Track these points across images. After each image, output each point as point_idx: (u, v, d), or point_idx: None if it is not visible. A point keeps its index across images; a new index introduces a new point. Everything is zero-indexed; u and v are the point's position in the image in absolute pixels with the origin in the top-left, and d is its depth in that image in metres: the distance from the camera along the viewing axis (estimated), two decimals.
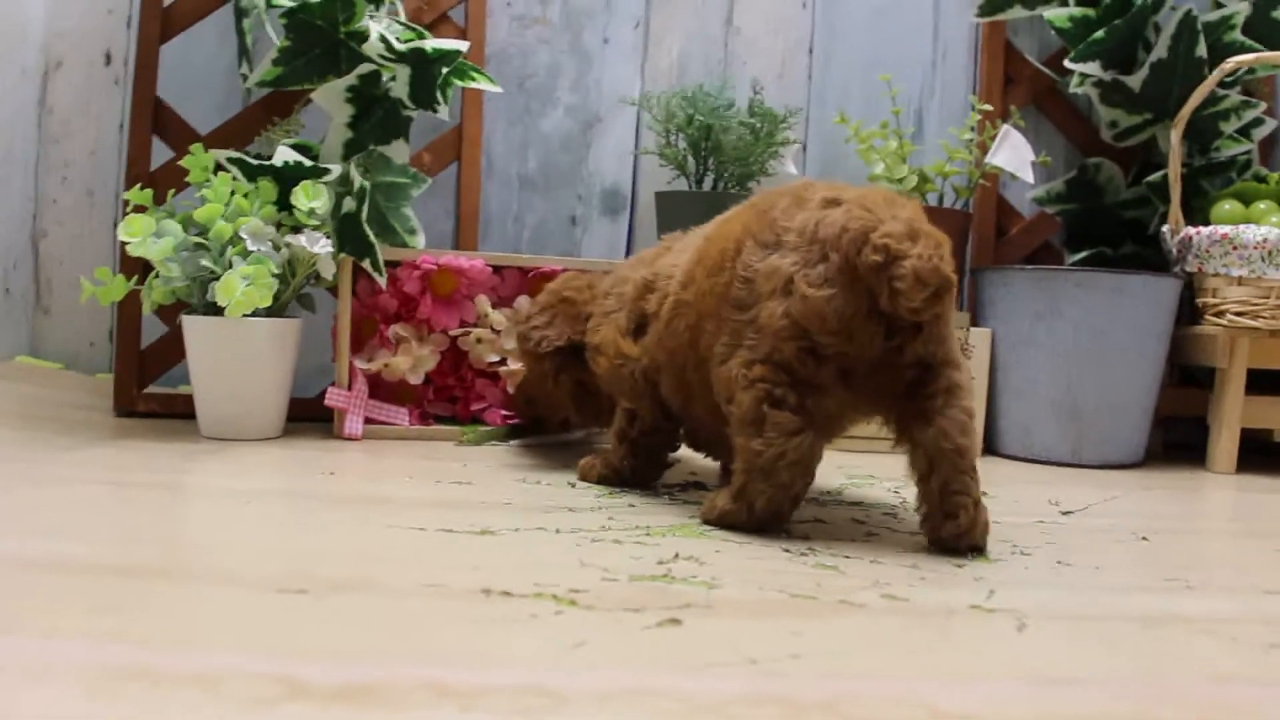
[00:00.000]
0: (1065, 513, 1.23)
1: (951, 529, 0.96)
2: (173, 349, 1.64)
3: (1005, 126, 1.73)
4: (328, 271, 1.49)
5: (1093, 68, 1.83)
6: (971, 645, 0.71)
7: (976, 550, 0.98)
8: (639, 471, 1.24)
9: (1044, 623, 0.76)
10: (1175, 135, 1.71)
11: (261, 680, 0.58)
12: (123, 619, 0.67)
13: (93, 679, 0.56)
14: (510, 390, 1.61)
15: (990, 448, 1.74)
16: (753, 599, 0.78)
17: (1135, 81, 1.83)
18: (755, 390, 0.97)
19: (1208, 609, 0.83)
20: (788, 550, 0.94)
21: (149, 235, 1.40)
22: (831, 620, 0.74)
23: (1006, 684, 0.63)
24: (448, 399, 1.66)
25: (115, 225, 1.76)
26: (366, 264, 1.52)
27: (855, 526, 1.08)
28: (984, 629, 0.74)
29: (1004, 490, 1.36)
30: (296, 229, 1.49)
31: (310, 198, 1.46)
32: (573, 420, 1.45)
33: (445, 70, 1.56)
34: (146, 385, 1.67)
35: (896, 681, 0.62)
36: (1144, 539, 1.10)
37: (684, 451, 1.29)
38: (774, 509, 0.98)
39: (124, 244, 1.41)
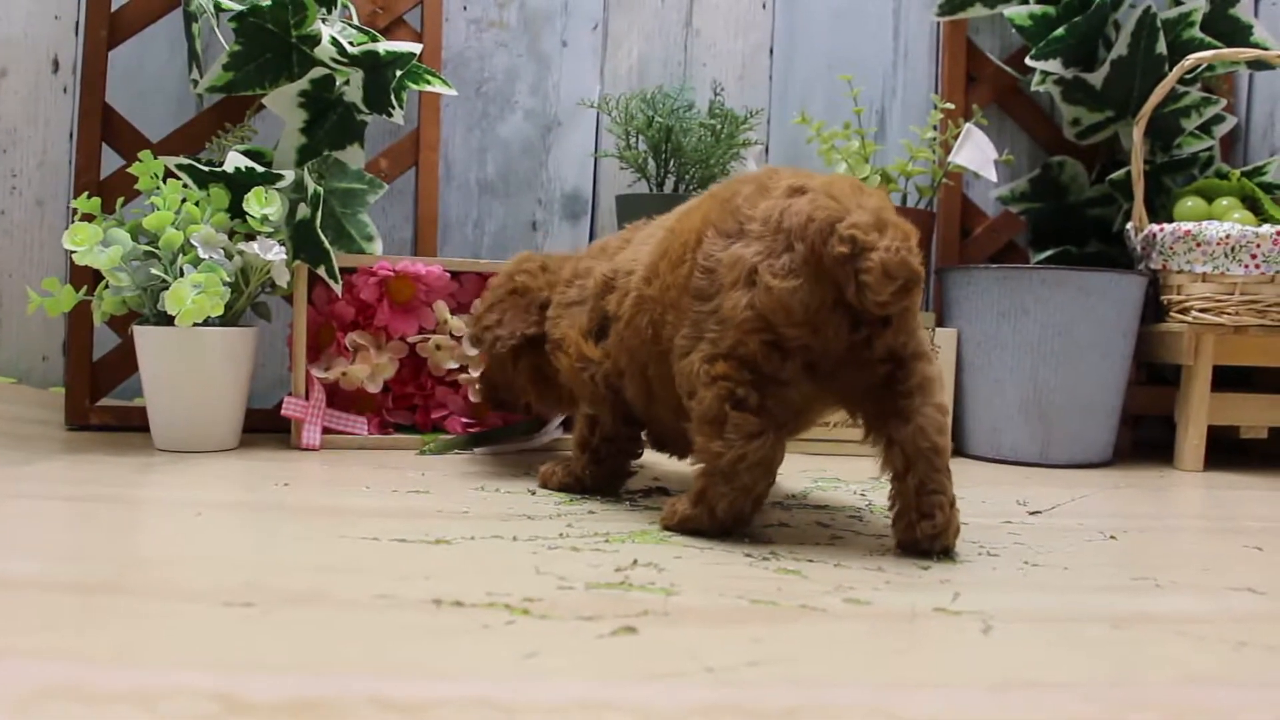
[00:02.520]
0: (1033, 513, 1.22)
1: (927, 528, 0.94)
2: (127, 361, 1.61)
3: (967, 125, 1.72)
4: (282, 279, 1.46)
5: (1054, 65, 1.83)
6: (935, 649, 0.69)
7: (945, 552, 0.96)
8: (600, 480, 1.21)
9: (1010, 625, 0.75)
10: (1137, 132, 1.71)
11: (200, 696, 0.55)
12: (61, 636, 0.64)
13: (21, 697, 0.54)
14: (471, 397, 1.59)
15: (958, 449, 1.73)
16: (712, 605, 0.76)
17: (1096, 79, 1.83)
18: (717, 388, 0.94)
19: (1177, 608, 0.82)
20: (749, 555, 0.92)
21: (95, 244, 1.36)
22: (792, 626, 0.72)
23: (971, 689, 0.61)
24: (407, 407, 1.63)
25: None
26: (321, 271, 1.49)
27: (819, 530, 1.06)
28: (949, 632, 0.72)
29: (972, 491, 1.35)
30: (250, 236, 1.46)
31: (263, 204, 1.43)
32: (534, 406, 1.40)
33: (399, 73, 1.54)
34: (100, 398, 1.63)
35: (857, 688, 0.60)
36: (1112, 538, 1.09)
37: (648, 457, 1.27)
38: (736, 512, 0.96)
39: (71, 253, 1.38)
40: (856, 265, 0.89)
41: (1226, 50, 1.70)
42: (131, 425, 1.59)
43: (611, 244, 1.24)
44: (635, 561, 0.88)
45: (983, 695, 0.60)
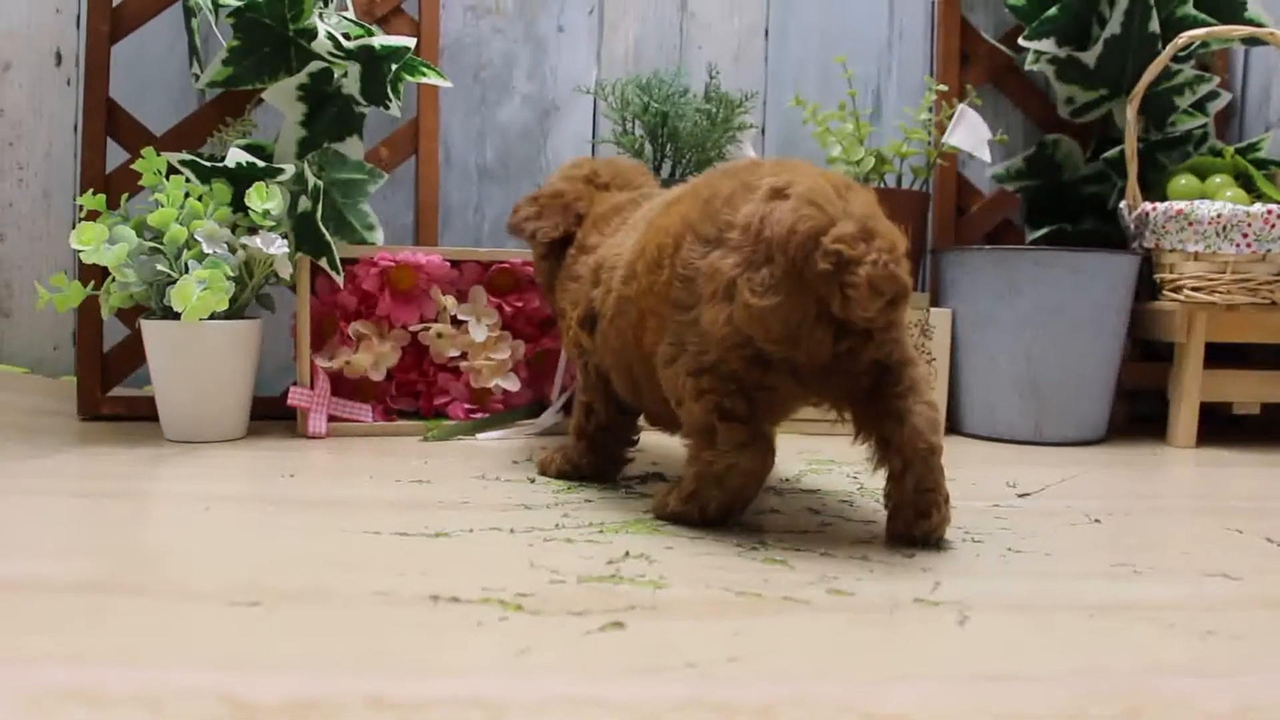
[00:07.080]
0: (1022, 495, 1.24)
1: (925, 526, 0.95)
2: (136, 351, 1.64)
3: (961, 106, 1.73)
4: (285, 271, 1.48)
5: (1047, 44, 1.84)
6: (911, 642, 0.71)
7: (937, 544, 0.97)
8: (598, 466, 1.24)
9: (986, 615, 0.77)
10: (1131, 110, 1.72)
11: (205, 698, 0.58)
12: (66, 637, 0.67)
13: (27, 700, 0.57)
14: (473, 383, 1.61)
15: (954, 427, 1.75)
16: (698, 598, 0.79)
17: (1090, 57, 1.84)
18: (704, 401, 0.95)
19: (1151, 595, 0.84)
20: (739, 544, 0.95)
21: (102, 242, 1.39)
22: (774, 619, 0.74)
23: (942, 682, 0.64)
24: (410, 394, 1.66)
25: (74, 227, 1.75)
26: (323, 262, 1.52)
27: (810, 516, 1.08)
28: (926, 624, 0.75)
29: (964, 472, 1.37)
30: (253, 230, 1.48)
31: (263, 199, 1.45)
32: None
33: (395, 66, 1.56)
34: (110, 388, 1.66)
35: (832, 683, 0.63)
36: (1097, 521, 1.11)
37: (645, 442, 1.29)
38: (726, 510, 0.99)
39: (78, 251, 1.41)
40: (842, 280, 0.87)
41: (1220, 27, 1.71)
42: (142, 415, 1.62)
43: (613, 221, 1.22)
44: (627, 554, 0.91)
45: (953, 688, 0.63)
